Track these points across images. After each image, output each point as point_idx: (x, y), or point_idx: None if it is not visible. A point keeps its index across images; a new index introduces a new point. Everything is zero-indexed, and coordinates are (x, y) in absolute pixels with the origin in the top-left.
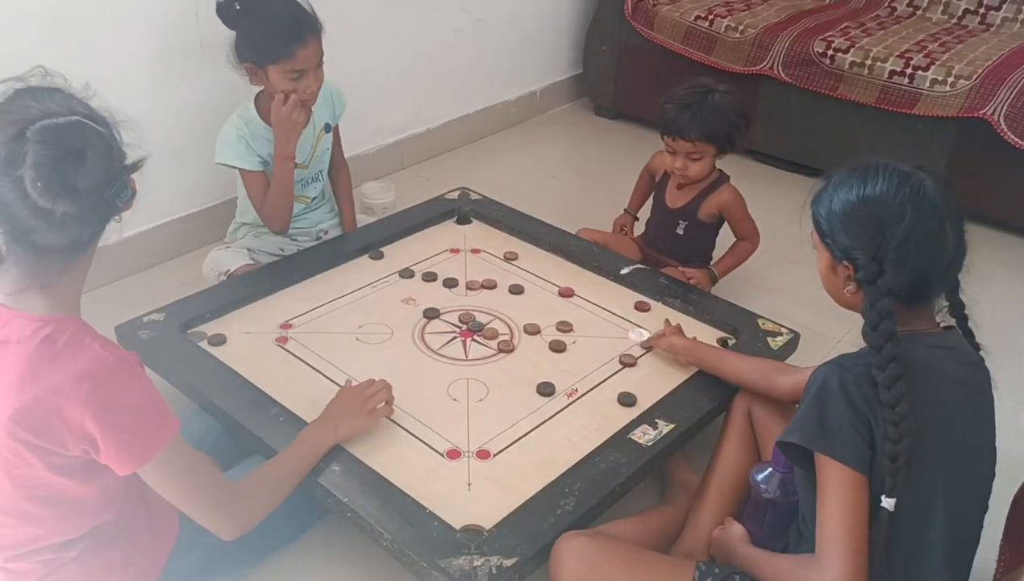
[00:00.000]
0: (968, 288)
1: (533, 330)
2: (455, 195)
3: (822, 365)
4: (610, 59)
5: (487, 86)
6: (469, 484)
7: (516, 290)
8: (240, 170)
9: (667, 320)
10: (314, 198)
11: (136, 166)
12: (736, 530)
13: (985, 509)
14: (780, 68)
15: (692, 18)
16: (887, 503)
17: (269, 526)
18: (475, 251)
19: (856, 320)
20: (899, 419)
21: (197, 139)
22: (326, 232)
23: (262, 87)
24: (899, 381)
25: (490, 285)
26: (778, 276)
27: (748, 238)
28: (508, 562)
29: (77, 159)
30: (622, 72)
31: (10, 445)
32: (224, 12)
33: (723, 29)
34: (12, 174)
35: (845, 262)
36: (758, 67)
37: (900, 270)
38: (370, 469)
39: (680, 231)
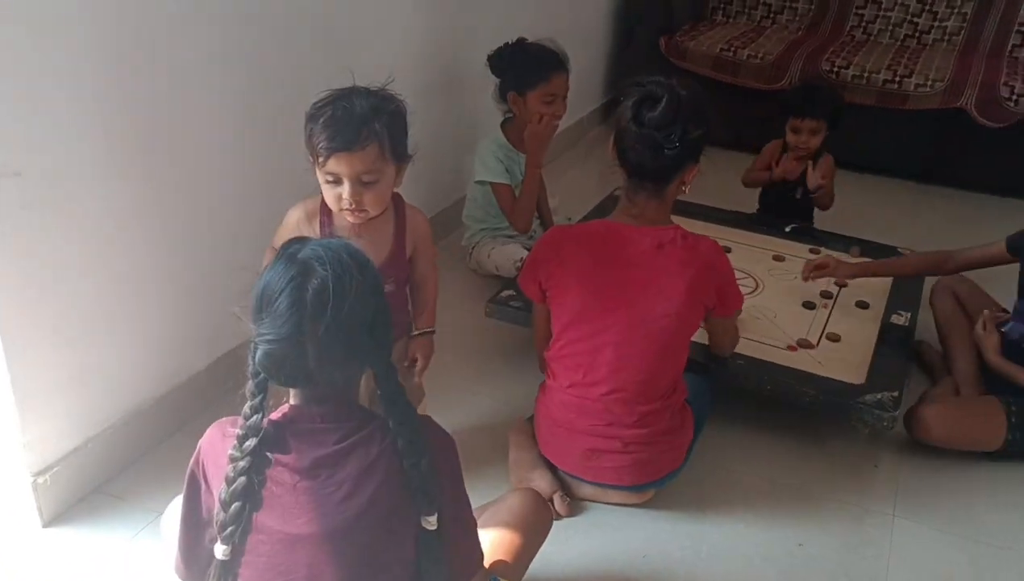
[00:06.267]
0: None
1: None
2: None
3: None
4: None
5: None
6: (820, 363)
7: None
8: (493, 185)
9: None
10: None
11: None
12: (992, 341)
13: None
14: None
15: (717, 49)
16: None
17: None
18: None
19: None
20: None
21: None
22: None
23: (510, 115)
24: None
25: None
26: None
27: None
28: (895, 393)
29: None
30: None
31: (685, 303)
32: (494, 61)
33: (745, 57)
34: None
35: None
36: (778, 84)
37: None
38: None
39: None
